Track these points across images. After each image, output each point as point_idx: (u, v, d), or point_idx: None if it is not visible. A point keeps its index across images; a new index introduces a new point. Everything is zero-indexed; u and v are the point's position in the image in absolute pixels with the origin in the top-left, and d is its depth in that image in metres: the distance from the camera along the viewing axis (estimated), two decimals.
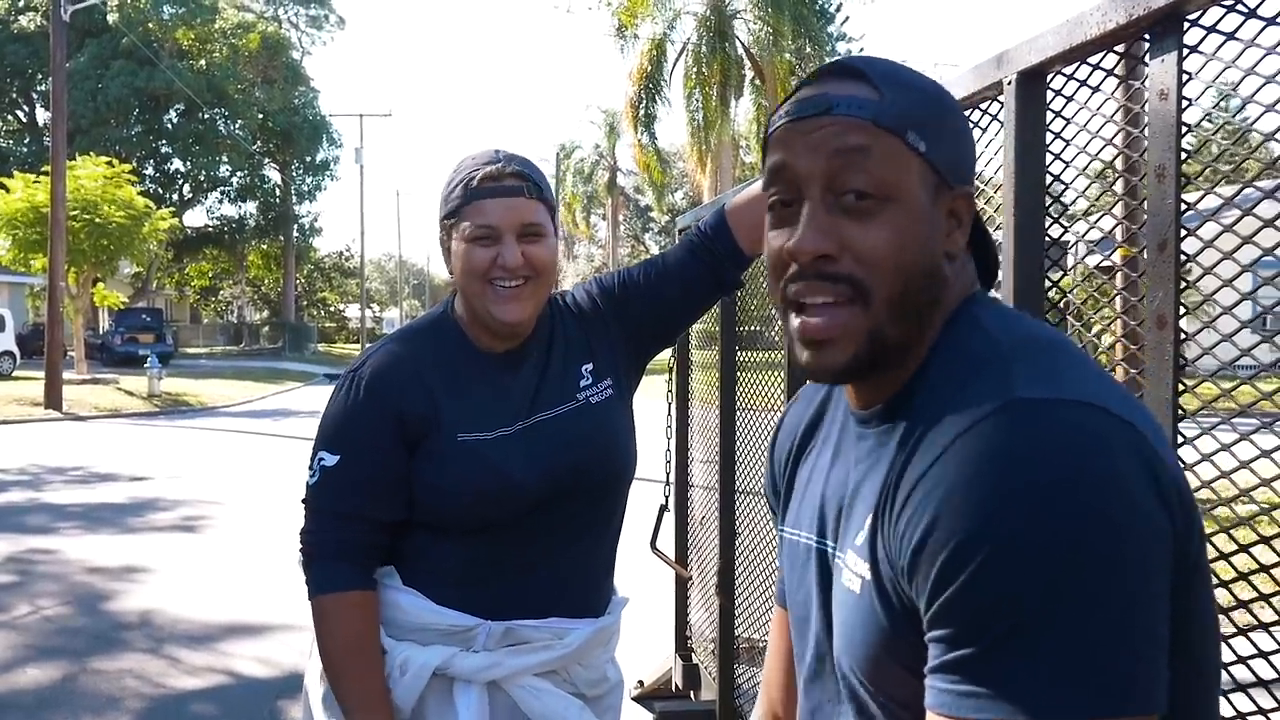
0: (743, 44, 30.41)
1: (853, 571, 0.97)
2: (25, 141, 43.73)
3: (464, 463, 1.74)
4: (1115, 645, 0.76)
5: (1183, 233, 1.28)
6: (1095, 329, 1.75)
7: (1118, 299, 1.62)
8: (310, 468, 1.80)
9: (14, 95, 45.13)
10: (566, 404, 1.82)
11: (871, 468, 0.99)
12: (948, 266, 0.98)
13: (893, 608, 0.90)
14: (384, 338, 1.94)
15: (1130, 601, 0.76)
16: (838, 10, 42.26)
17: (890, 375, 0.99)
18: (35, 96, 44.70)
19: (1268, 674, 1.22)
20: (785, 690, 1.29)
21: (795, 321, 0.98)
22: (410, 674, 1.76)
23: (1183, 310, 1.31)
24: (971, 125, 1.67)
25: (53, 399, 19.73)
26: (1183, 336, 1.30)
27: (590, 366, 1.86)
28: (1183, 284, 1.29)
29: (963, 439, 0.83)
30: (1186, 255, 1.30)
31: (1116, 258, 1.58)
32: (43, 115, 43.75)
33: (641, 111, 30.88)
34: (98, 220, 23.76)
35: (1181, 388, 1.30)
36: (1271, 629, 1.24)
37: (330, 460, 1.77)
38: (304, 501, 1.81)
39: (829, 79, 0.99)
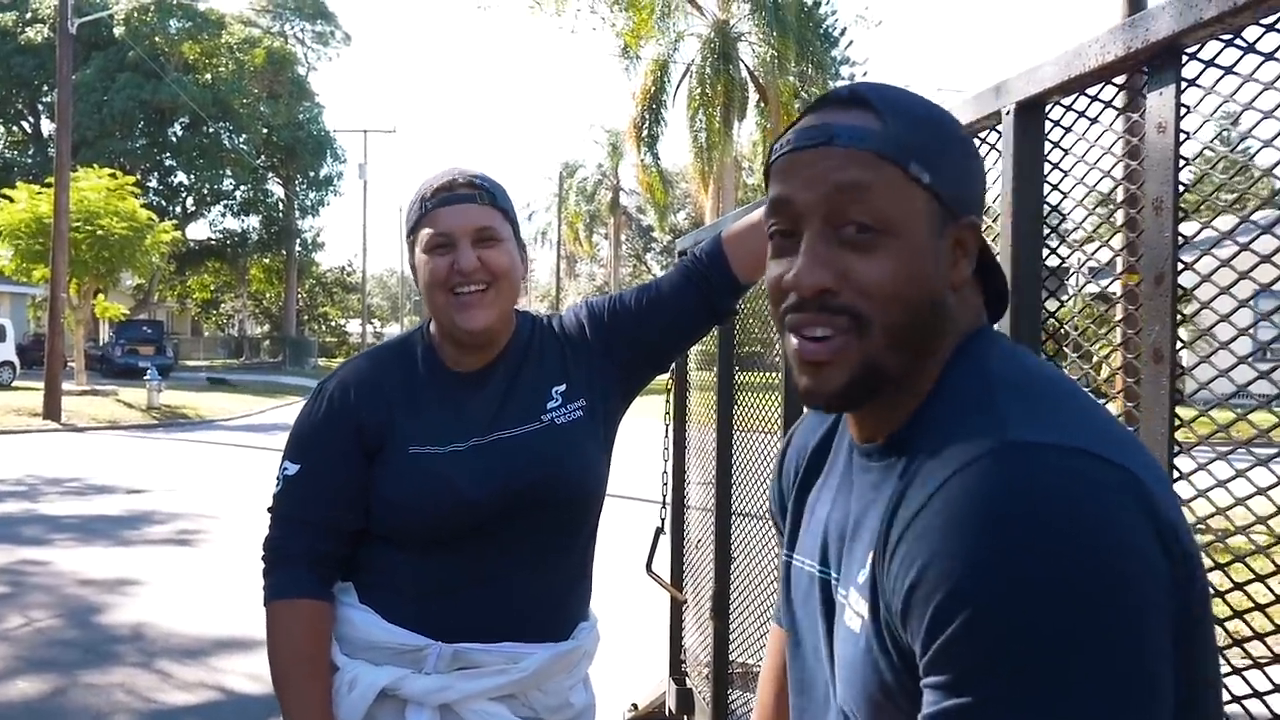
0: (747, 66, 30.53)
1: (854, 610, 0.95)
2: (30, 152, 43.89)
3: (413, 476, 1.76)
4: (1114, 697, 0.74)
5: (1180, 266, 1.28)
6: (1092, 361, 1.74)
7: (1116, 332, 1.62)
8: (276, 477, 1.85)
9: (20, 106, 45.26)
10: (529, 424, 1.81)
11: (872, 503, 0.97)
12: (951, 298, 0.96)
13: (889, 651, 0.88)
14: (356, 354, 1.98)
15: (1128, 651, 0.75)
16: (842, 34, 42.44)
17: (891, 409, 0.98)
18: (41, 108, 44.81)
19: (1262, 714, 1.21)
20: (778, 712, 1.28)
21: (794, 342, 0.97)
22: (357, 691, 1.77)
23: (1180, 344, 1.30)
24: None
25: (51, 410, 19.72)
26: (1179, 371, 1.30)
27: (562, 388, 1.86)
28: (1180, 318, 1.29)
29: (954, 480, 0.81)
30: (1183, 289, 1.29)
31: (1116, 288, 1.57)
32: (48, 126, 43.86)
33: (645, 132, 31.00)
34: (100, 232, 23.79)
35: (1177, 422, 1.29)
36: (1267, 668, 1.23)
37: (292, 469, 1.83)
38: (269, 509, 1.85)
39: (832, 108, 0.98)
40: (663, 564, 4.00)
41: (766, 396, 3.20)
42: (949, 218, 0.95)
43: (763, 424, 3.22)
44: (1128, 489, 0.79)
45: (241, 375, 40.48)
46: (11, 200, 23.67)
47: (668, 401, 4.16)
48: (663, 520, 4.00)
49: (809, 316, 0.95)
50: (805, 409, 1.25)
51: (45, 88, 41.96)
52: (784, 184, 0.98)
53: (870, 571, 0.92)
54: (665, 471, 4.08)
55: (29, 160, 42.34)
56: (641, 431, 5.69)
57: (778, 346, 2.94)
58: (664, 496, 4.07)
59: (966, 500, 0.80)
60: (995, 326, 1.04)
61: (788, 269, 0.96)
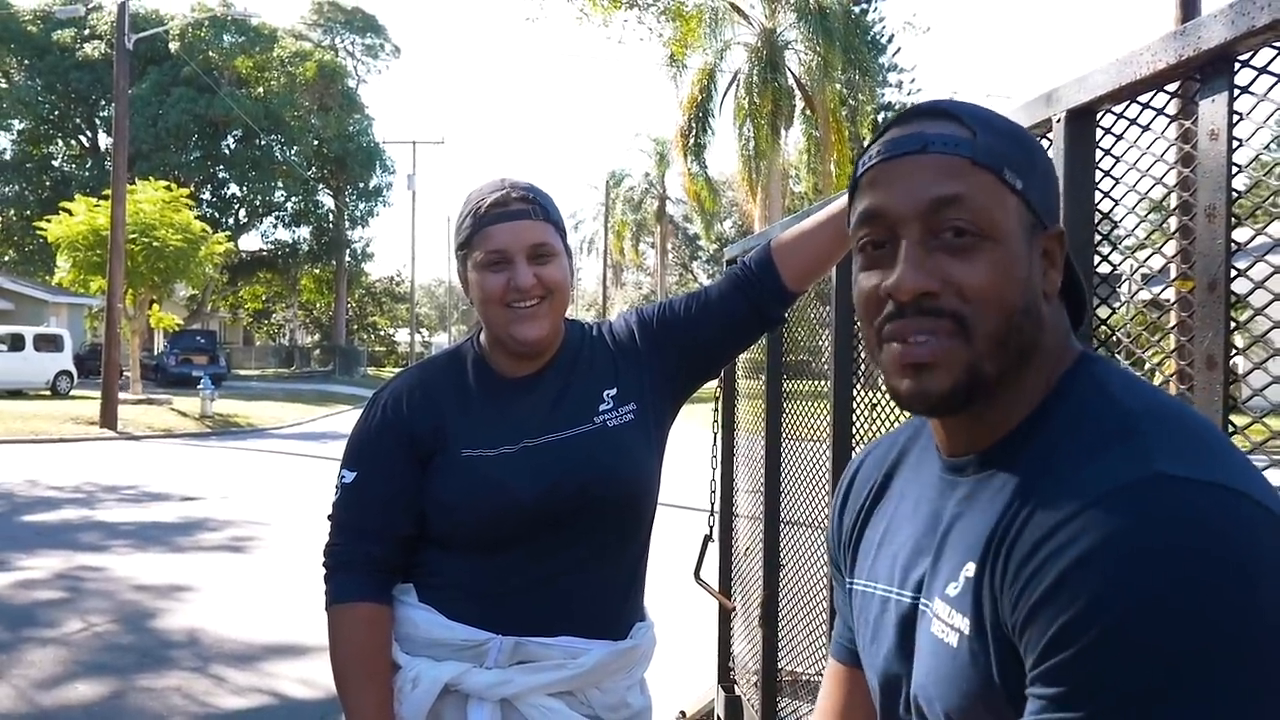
0: (793, 74, 30.46)
1: (945, 623, 0.94)
2: (87, 166, 44.74)
3: (465, 478, 1.79)
4: None
5: (1233, 273, 1.27)
6: (1145, 368, 1.73)
7: (1170, 337, 1.61)
8: (335, 485, 1.89)
9: (78, 120, 46.22)
10: (581, 426, 1.83)
11: (965, 515, 0.97)
12: (1045, 307, 0.97)
13: (995, 662, 0.88)
14: (409, 366, 2.03)
15: (1253, 694, 0.74)
16: (889, 41, 42.28)
17: (989, 421, 0.97)
18: (98, 122, 45.72)
19: None
20: None
21: (895, 349, 0.97)
22: (421, 688, 1.80)
23: (1234, 351, 1.29)
24: None
25: (108, 418, 20.07)
26: (1233, 378, 1.29)
27: (613, 392, 1.88)
28: (1233, 325, 1.28)
29: (1102, 504, 0.80)
30: (1237, 296, 1.28)
31: (1169, 295, 1.56)
32: (105, 140, 44.71)
33: (692, 141, 30.98)
34: (155, 243, 24.20)
35: (1232, 429, 1.29)
36: None
37: (349, 477, 1.87)
38: (328, 517, 1.89)
39: (919, 119, 0.99)
40: (711, 572, 4.00)
41: (815, 405, 3.21)
42: (1038, 227, 0.96)
43: (811, 432, 3.22)
44: (1273, 530, 0.79)
45: (293, 385, 40.93)
46: (70, 213, 24.16)
47: (716, 410, 4.17)
48: (711, 528, 4.01)
49: (909, 322, 0.95)
50: (853, 452, 1.25)
51: (102, 102, 42.84)
52: (877, 193, 0.98)
53: (974, 583, 0.91)
54: (713, 480, 4.08)
55: (86, 173, 43.14)
56: (690, 440, 5.69)
57: (826, 355, 2.94)
58: (712, 504, 4.07)
59: (1112, 524, 0.79)
60: None
61: (882, 279, 0.96)
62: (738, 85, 30.33)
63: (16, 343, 27.17)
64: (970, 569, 0.92)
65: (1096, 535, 0.79)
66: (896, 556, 1.07)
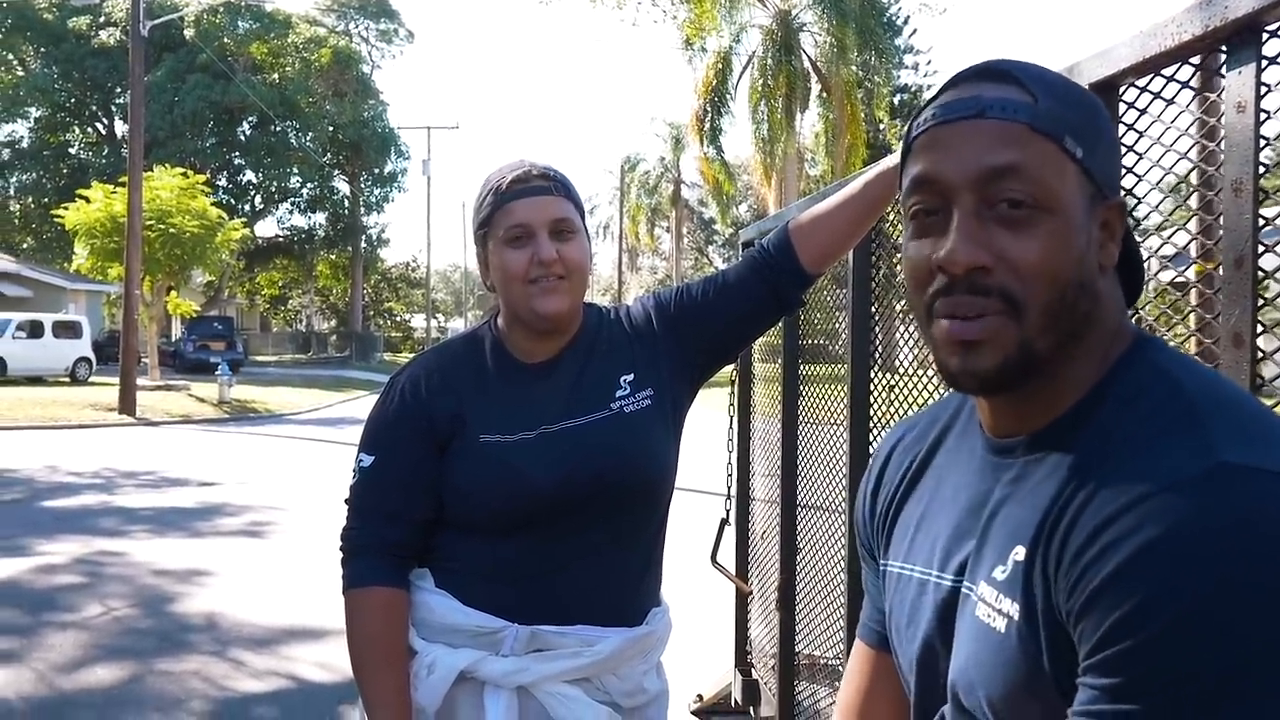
0: (808, 56, 30.31)
1: (993, 607, 0.92)
2: (104, 153, 44.86)
3: (483, 464, 1.78)
4: None
5: (1260, 249, 1.25)
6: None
7: (1192, 316, 1.58)
8: (352, 469, 1.88)
9: (94, 108, 46.36)
10: (598, 412, 1.82)
11: (1013, 498, 0.94)
12: (1101, 281, 0.93)
13: (1046, 649, 0.86)
14: (426, 349, 2.02)
15: None
16: (905, 23, 42.06)
17: (1040, 400, 0.94)
18: (114, 109, 45.85)
19: None
20: None
21: (944, 325, 0.93)
22: (437, 674, 1.80)
23: (1260, 328, 1.27)
24: None
25: (126, 404, 20.17)
26: (1260, 355, 1.27)
27: (630, 377, 1.86)
28: (1260, 301, 1.26)
29: (1165, 493, 0.78)
30: (1264, 272, 1.26)
31: (1191, 274, 1.54)
32: (121, 127, 44.82)
33: (707, 124, 30.90)
34: (172, 230, 24.29)
35: None
36: None
37: (367, 461, 1.85)
38: (346, 501, 1.89)
39: (977, 81, 0.94)
40: (727, 556, 3.99)
41: (832, 388, 3.19)
42: (1098, 197, 0.92)
43: (828, 416, 3.21)
44: None
45: (309, 370, 41.09)
46: (87, 200, 24.25)
47: (732, 394, 4.16)
48: (728, 512, 4.00)
49: (959, 300, 0.91)
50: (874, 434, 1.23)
51: (118, 90, 42.93)
52: (930, 159, 0.94)
53: (1024, 566, 0.89)
54: (730, 463, 4.07)
55: (103, 161, 43.26)
56: (706, 424, 5.68)
57: (842, 338, 2.92)
58: (729, 488, 4.06)
59: (1175, 517, 0.77)
60: None
61: (933, 249, 0.93)
62: (752, 68, 30.21)
63: (36, 330, 27.31)
64: (1020, 553, 0.90)
65: (1160, 524, 0.77)
66: (937, 539, 1.05)
